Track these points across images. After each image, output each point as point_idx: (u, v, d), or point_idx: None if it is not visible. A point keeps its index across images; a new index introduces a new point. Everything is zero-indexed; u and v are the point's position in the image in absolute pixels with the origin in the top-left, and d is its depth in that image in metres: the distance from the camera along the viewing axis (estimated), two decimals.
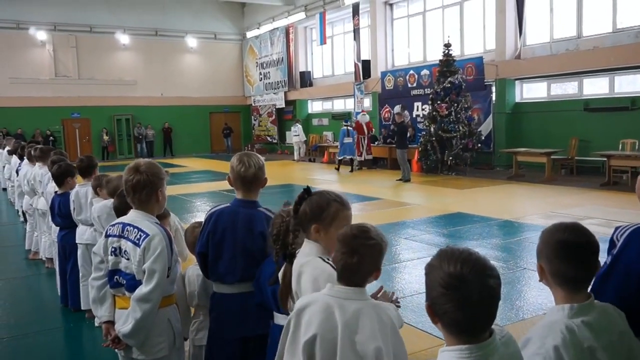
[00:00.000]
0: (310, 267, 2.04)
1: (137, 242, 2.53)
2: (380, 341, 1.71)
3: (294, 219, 2.15)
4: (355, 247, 1.79)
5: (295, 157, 22.62)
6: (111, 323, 2.65)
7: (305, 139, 22.91)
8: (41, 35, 25.08)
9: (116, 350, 2.68)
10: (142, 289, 2.49)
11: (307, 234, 2.14)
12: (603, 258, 1.96)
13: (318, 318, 1.77)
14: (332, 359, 1.74)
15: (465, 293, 1.30)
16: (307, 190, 2.15)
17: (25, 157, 7.91)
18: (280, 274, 2.19)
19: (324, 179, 16.04)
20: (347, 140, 17.69)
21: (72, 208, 4.67)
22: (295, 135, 22.42)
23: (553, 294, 1.71)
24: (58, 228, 5.07)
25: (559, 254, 1.64)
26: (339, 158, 17.97)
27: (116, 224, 2.66)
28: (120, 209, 2.88)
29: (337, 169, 17.84)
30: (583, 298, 1.64)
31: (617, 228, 1.94)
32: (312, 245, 2.13)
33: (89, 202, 4.53)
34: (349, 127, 17.68)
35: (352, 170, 17.45)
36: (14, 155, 10.12)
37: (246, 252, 2.68)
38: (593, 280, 1.90)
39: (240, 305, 2.73)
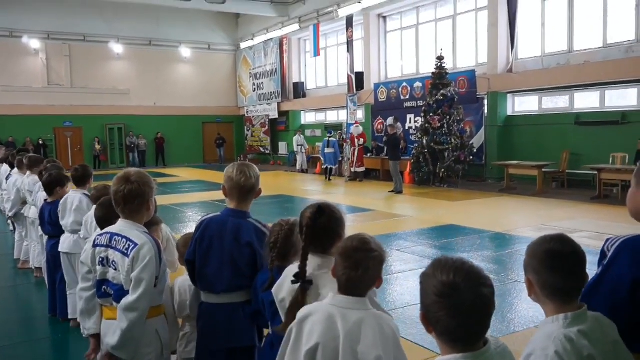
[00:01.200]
0: (333, 282, 1.98)
1: (126, 252, 2.50)
2: (381, 350, 1.72)
3: (309, 235, 2.11)
4: (359, 260, 1.80)
5: (298, 167, 22.76)
6: (97, 336, 2.63)
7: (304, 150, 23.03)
8: (34, 43, 25.04)
9: None
10: (128, 298, 2.46)
11: (327, 249, 2.13)
12: (593, 270, 1.96)
13: (320, 327, 1.77)
14: None
15: (457, 301, 1.31)
16: (321, 210, 2.13)
17: (15, 166, 7.86)
18: (285, 294, 2.13)
19: (317, 190, 16.04)
20: (328, 150, 18.78)
21: (59, 211, 4.64)
22: (299, 145, 22.67)
23: (543, 308, 1.70)
24: (47, 237, 5.03)
25: (546, 265, 1.64)
26: (324, 167, 19.05)
27: (104, 233, 2.63)
28: (106, 219, 2.85)
29: (329, 179, 18.40)
30: (575, 308, 1.64)
31: (608, 239, 1.94)
32: (325, 258, 2.12)
33: (73, 208, 4.50)
34: (330, 138, 18.91)
35: (329, 179, 18.53)
36: (4, 164, 10.05)
37: (233, 262, 2.67)
38: (583, 291, 1.91)
39: (227, 315, 2.71)
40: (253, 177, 2.69)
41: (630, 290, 1.79)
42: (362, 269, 1.79)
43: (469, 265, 1.37)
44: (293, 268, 2.21)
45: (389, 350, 1.74)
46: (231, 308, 2.70)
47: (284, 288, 2.20)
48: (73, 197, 4.58)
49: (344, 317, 1.76)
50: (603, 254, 1.93)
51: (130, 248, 2.49)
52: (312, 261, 2.10)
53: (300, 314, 1.87)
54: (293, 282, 2.06)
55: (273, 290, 2.26)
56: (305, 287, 2.03)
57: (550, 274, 1.63)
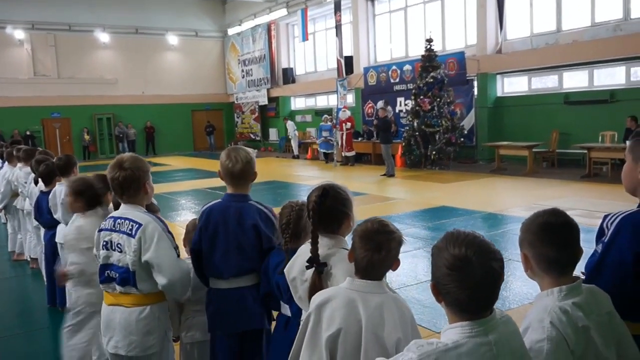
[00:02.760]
0: (343, 261, 2.01)
1: (130, 232, 2.55)
2: (401, 333, 1.75)
3: (316, 217, 2.11)
4: (381, 242, 1.82)
5: (296, 151, 22.82)
6: None
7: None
8: (19, 34, 24.70)
9: (109, 345, 2.66)
10: (161, 280, 2.55)
11: (336, 229, 2.15)
12: (590, 247, 2.00)
13: (341, 313, 1.78)
14: (356, 353, 1.76)
15: (468, 274, 1.34)
16: (326, 192, 2.14)
17: (4, 158, 7.79)
18: (308, 281, 2.14)
19: (309, 175, 16.05)
20: (326, 134, 19.43)
21: (50, 205, 4.64)
22: (295, 130, 22.94)
23: (539, 283, 1.73)
24: (45, 228, 5.00)
25: (541, 237, 1.67)
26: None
27: (108, 218, 2.69)
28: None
29: (327, 163, 19.13)
30: (569, 281, 1.67)
31: (606, 216, 1.96)
32: (335, 238, 2.14)
33: (60, 201, 4.49)
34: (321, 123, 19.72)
35: (326, 162, 19.23)
36: None
37: (239, 246, 2.69)
38: (586, 271, 1.94)
39: (237, 300, 2.74)
40: (241, 161, 2.69)
41: (634, 265, 1.82)
42: (384, 250, 1.81)
43: (480, 239, 1.40)
44: (304, 249, 2.23)
45: (408, 332, 1.77)
46: (240, 292, 2.74)
47: (294, 267, 2.23)
48: (60, 189, 4.57)
49: (364, 302, 1.78)
50: (602, 231, 1.95)
51: (135, 228, 2.54)
52: (323, 242, 2.11)
53: (318, 299, 1.87)
54: (307, 267, 2.08)
55: (285, 270, 2.28)
56: (320, 271, 2.05)
57: (545, 246, 1.66)
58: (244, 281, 2.74)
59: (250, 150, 2.78)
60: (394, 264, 1.88)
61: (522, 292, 5.08)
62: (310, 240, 2.11)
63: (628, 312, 1.74)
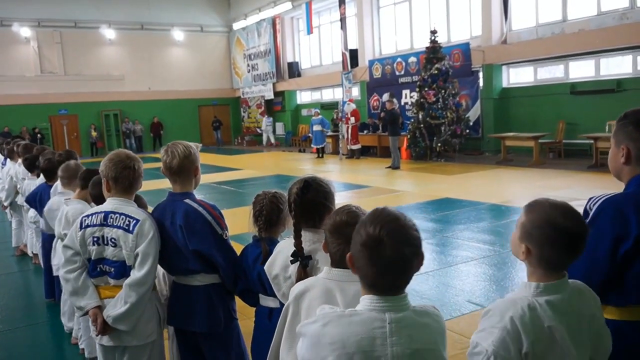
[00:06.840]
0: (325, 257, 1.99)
1: (128, 228, 2.55)
2: None
3: (298, 211, 2.08)
4: (351, 234, 1.78)
5: (265, 142, 26.66)
6: (99, 308, 2.61)
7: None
8: (25, 31, 24.81)
9: (103, 338, 2.65)
10: (136, 274, 2.53)
11: (318, 223, 2.10)
12: None
13: (319, 302, 1.76)
14: None
15: (377, 254, 1.36)
16: (307, 185, 2.10)
17: (5, 155, 7.82)
18: (291, 278, 2.10)
19: (314, 168, 16.03)
20: (316, 129, 19.55)
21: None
22: (269, 125, 26.50)
23: (529, 270, 1.66)
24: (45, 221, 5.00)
25: (552, 240, 1.55)
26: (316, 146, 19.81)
27: (94, 213, 2.64)
28: (102, 197, 2.88)
29: (320, 157, 19.14)
30: (555, 277, 1.60)
31: (590, 198, 1.96)
32: (317, 233, 2.11)
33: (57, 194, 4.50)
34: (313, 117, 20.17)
35: (320, 156, 19.13)
36: None
37: (175, 247, 2.63)
38: None
39: (183, 296, 2.70)
40: (178, 156, 2.59)
41: (610, 248, 1.81)
42: None
43: (399, 222, 1.40)
44: (284, 244, 2.21)
45: None
46: (186, 289, 2.69)
47: (276, 264, 2.19)
48: (55, 185, 4.58)
49: (342, 291, 1.76)
50: (586, 213, 1.95)
51: (132, 224, 2.55)
52: (305, 237, 2.07)
53: (296, 290, 1.85)
54: (292, 262, 2.05)
55: (265, 267, 2.24)
56: (305, 264, 2.02)
57: (554, 251, 1.56)
58: (189, 280, 2.68)
59: (191, 144, 2.67)
60: None
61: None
62: (290, 235, 2.09)
63: (599, 294, 1.71)
